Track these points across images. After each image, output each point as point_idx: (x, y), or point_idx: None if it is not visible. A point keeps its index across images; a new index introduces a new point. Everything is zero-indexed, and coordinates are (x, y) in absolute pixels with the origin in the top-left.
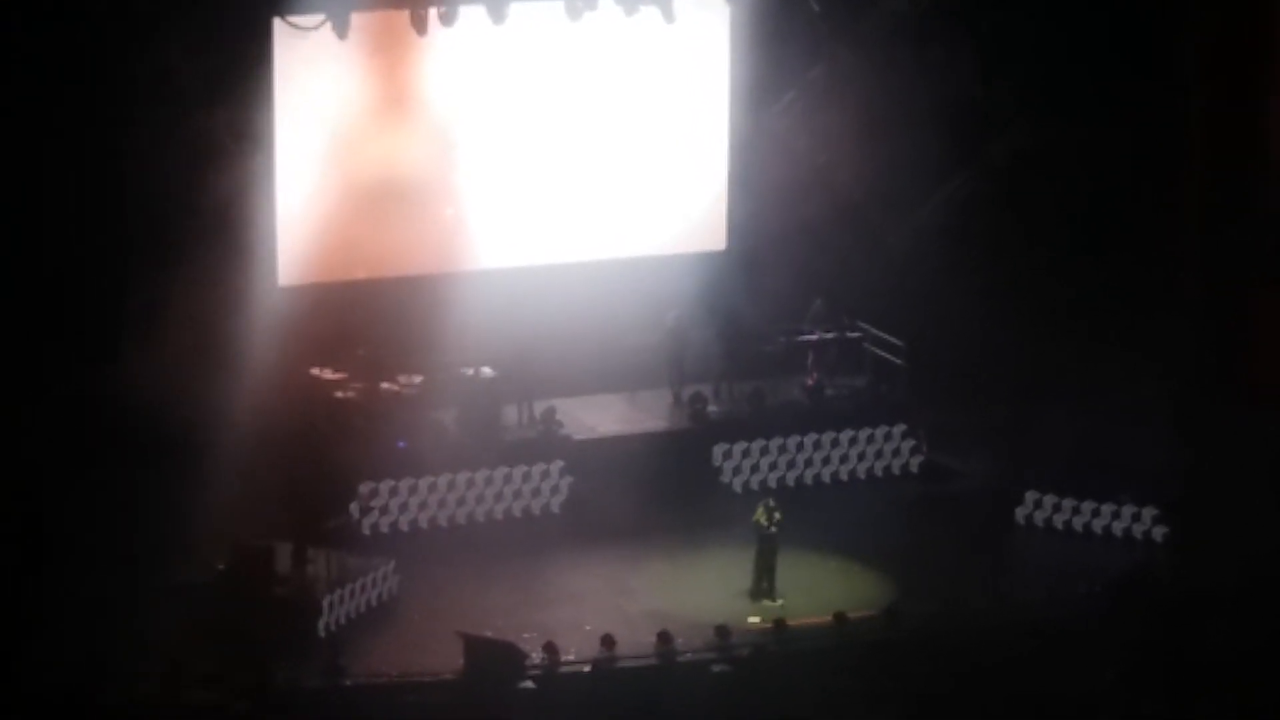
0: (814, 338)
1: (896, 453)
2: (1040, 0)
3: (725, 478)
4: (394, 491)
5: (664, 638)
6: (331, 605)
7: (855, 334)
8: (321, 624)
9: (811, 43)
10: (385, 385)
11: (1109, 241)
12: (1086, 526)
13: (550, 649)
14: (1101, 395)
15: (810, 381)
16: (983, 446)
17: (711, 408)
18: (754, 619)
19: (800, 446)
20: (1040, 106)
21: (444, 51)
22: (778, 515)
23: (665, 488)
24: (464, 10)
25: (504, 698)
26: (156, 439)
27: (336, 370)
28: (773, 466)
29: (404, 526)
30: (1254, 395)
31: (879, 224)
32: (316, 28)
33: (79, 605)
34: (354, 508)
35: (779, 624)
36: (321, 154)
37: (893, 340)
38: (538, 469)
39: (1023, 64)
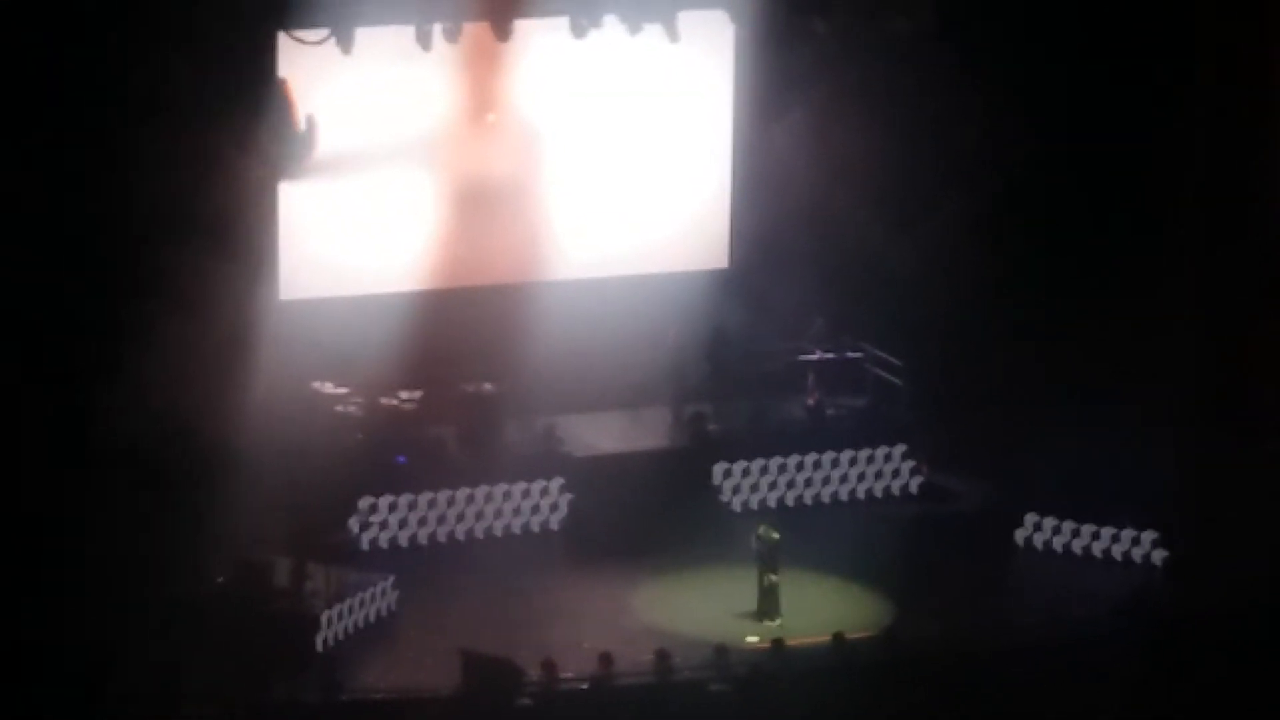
0: (815, 357)
1: (896, 473)
2: (1044, 21)
3: (725, 497)
4: (393, 507)
5: (662, 656)
6: (330, 620)
7: (856, 354)
8: (320, 639)
9: (815, 63)
10: (385, 400)
11: (1110, 265)
12: (1086, 549)
13: (548, 666)
14: (1102, 418)
15: (811, 401)
16: (983, 468)
17: (712, 426)
18: (752, 639)
19: (800, 466)
20: (1043, 128)
21: (448, 68)
22: (775, 536)
23: (665, 506)
24: (469, 27)
25: (501, 715)
26: (156, 452)
27: (337, 385)
28: (772, 486)
29: (403, 542)
30: (1254, 419)
31: (881, 244)
32: (321, 42)
33: (78, 619)
34: (353, 523)
35: (777, 644)
36: (324, 169)
37: (893, 361)
38: (537, 486)
39: (1026, 86)
